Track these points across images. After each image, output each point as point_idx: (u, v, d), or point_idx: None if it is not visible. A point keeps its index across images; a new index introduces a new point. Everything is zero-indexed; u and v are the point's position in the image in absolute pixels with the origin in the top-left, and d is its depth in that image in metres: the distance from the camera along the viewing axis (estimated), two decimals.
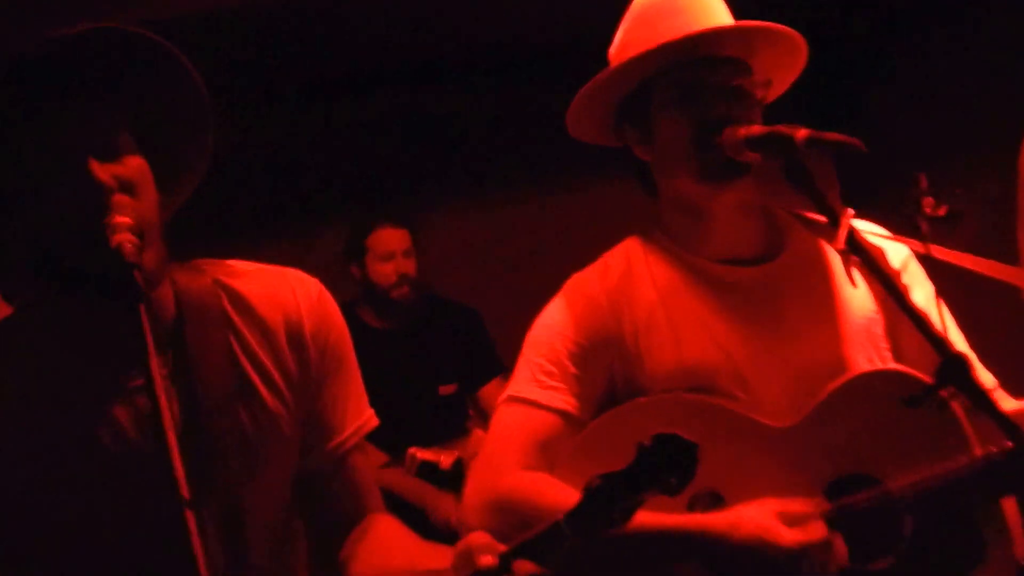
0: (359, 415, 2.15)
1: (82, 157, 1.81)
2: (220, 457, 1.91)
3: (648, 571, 2.32)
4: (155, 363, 1.65)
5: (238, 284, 2.04)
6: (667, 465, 1.76)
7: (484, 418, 4.83)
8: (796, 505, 2.27)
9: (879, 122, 5.49)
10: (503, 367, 5.05)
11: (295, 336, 2.04)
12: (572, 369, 2.44)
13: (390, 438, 4.52)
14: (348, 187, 6.06)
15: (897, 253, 2.48)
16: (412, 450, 4.31)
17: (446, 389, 4.98)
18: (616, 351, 2.44)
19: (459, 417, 5.01)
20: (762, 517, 2.24)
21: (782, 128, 2.24)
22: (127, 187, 1.84)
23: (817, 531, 2.25)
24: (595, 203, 5.90)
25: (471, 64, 5.94)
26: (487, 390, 5.03)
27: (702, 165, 2.38)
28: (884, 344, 2.48)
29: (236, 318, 2.01)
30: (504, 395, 2.50)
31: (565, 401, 2.42)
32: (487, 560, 1.75)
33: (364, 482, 2.17)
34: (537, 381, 2.45)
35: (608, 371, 2.44)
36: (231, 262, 2.09)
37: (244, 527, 1.94)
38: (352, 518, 2.14)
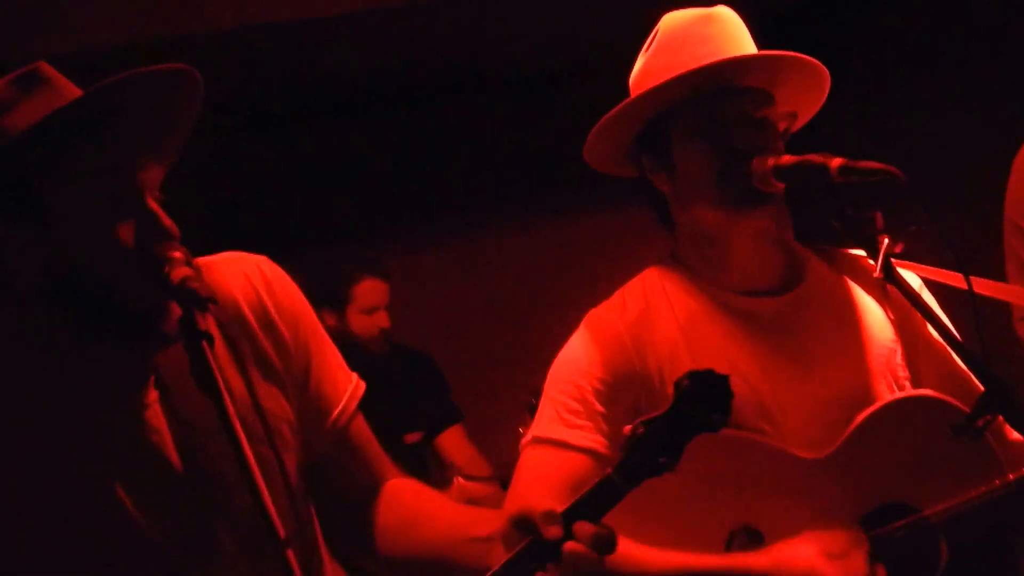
0: (347, 380, 2.11)
1: (144, 199, 1.80)
2: (228, 480, 1.84)
3: None
4: (227, 400, 1.61)
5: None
6: (707, 402, 1.78)
7: (454, 470, 4.77)
8: (837, 542, 2.25)
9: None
10: (460, 415, 5.01)
11: (265, 322, 1.98)
12: (598, 407, 2.39)
13: None
14: (306, 222, 5.98)
15: (910, 281, 2.48)
16: None
17: (412, 438, 4.91)
18: (641, 388, 2.40)
19: (422, 466, 4.94)
20: (806, 555, 2.22)
21: (815, 157, 2.23)
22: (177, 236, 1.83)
23: (859, 567, 2.23)
24: (548, 244, 5.90)
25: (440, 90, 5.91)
26: (445, 438, 4.97)
27: (725, 195, 2.37)
28: (903, 373, 2.48)
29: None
30: (528, 436, 2.45)
31: (593, 440, 2.38)
32: (554, 532, 1.73)
33: (371, 448, 2.13)
34: (563, 420, 2.40)
35: (634, 409, 2.39)
36: None
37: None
38: (368, 488, 2.10)
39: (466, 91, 5.90)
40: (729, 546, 2.31)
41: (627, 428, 1.81)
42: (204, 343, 1.64)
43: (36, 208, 1.78)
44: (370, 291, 4.89)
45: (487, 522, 1.92)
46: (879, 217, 2.64)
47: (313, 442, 2.03)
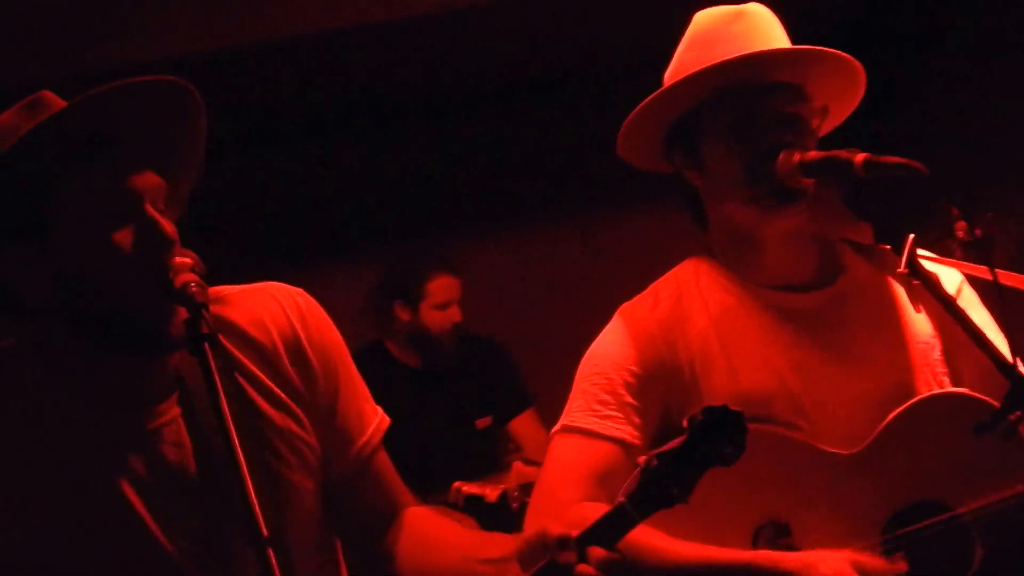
0: (373, 413, 2.14)
1: (141, 201, 1.83)
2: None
3: None
4: (224, 404, 1.64)
5: (225, 311, 2.01)
6: (720, 435, 1.84)
7: (519, 454, 4.82)
8: (871, 559, 2.23)
9: (906, 146, 5.44)
10: (532, 400, 5.04)
11: (294, 350, 2.03)
12: (628, 399, 2.40)
13: (426, 476, 4.50)
14: (369, 223, 6.05)
15: (951, 279, 2.44)
16: (457, 484, 4.27)
17: (482, 423, 4.98)
18: (671, 382, 2.40)
19: (495, 451, 5.00)
20: (835, 562, 2.19)
21: (840, 153, 2.21)
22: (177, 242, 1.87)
23: None
24: (615, 233, 5.90)
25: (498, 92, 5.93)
26: (518, 423, 5.02)
27: (755, 191, 2.35)
28: (942, 369, 2.45)
29: (230, 346, 1.98)
30: (558, 425, 2.46)
31: (622, 430, 2.38)
32: (567, 557, 1.77)
33: (391, 479, 2.17)
34: (592, 410, 2.41)
35: (664, 402, 2.40)
36: (212, 289, 2.03)
37: (283, 553, 1.92)
38: (386, 515, 2.14)
39: (522, 93, 5.93)
40: (756, 540, 2.30)
41: (641, 459, 1.86)
42: (206, 345, 1.68)
43: (38, 224, 1.82)
44: (443, 287, 4.95)
45: (498, 544, 1.95)
46: (952, 208, 2.61)
47: (336, 469, 2.08)
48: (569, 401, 2.47)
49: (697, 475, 1.83)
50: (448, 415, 4.90)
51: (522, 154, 6.14)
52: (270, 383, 1.99)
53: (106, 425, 1.89)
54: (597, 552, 1.78)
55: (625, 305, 2.51)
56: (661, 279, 2.54)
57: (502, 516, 4.02)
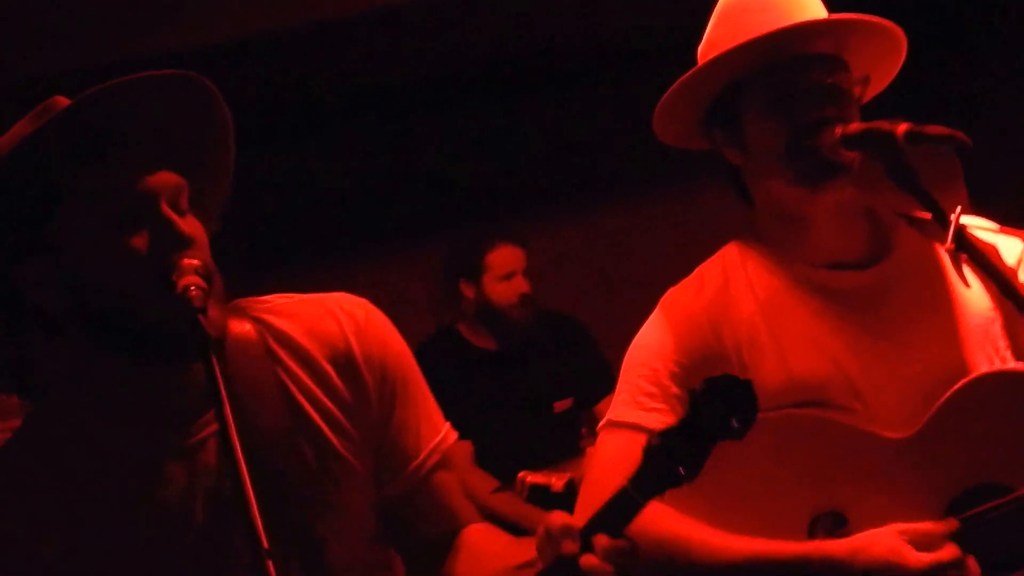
0: (434, 433, 2.08)
1: (156, 201, 1.79)
2: (289, 498, 1.86)
3: None
4: (228, 409, 1.61)
5: (280, 321, 1.98)
6: (725, 408, 1.69)
7: (594, 440, 4.74)
8: (924, 525, 2.15)
9: (997, 116, 5.29)
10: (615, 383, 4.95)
11: (345, 365, 1.98)
12: (674, 390, 2.33)
13: (505, 461, 4.46)
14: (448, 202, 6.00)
15: (1012, 248, 2.34)
16: (522, 474, 4.22)
17: (562, 405, 4.87)
18: (719, 369, 2.29)
19: (573, 434, 4.92)
20: (889, 539, 2.13)
21: (882, 124, 2.13)
22: (198, 245, 1.83)
23: (948, 552, 2.13)
24: (689, 208, 5.79)
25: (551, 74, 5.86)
26: (603, 407, 4.92)
27: (797, 168, 2.27)
28: (1003, 343, 2.35)
29: (283, 355, 1.96)
30: (604, 420, 2.40)
31: (668, 422, 2.31)
32: (569, 547, 1.69)
33: (451, 499, 2.11)
34: (638, 403, 2.35)
35: None
36: (269, 298, 2.04)
37: (326, 565, 1.89)
38: (445, 537, 2.09)
39: (584, 75, 5.85)
40: (812, 531, 2.23)
41: (643, 438, 1.75)
42: (210, 352, 1.64)
43: (49, 234, 1.80)
44: (504, 257, 4.85)
45: (530, 548, 1.88)
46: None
47: (390, 487, 2.04)
48: (615, 394, 2.42)
49: (704, 451, 1.70)
50: (526, 398, 4.80)
51: (587, 131, 6.06)
52: (320, 393, 1.95)
53: (145, 443, 1.87)
54: (602, 540, 1.70)
55: (669, 292, 2.44)
56: (706, 262, 2.47)
57: (570, 505, 3.98)
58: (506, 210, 5.71)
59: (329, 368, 1.96)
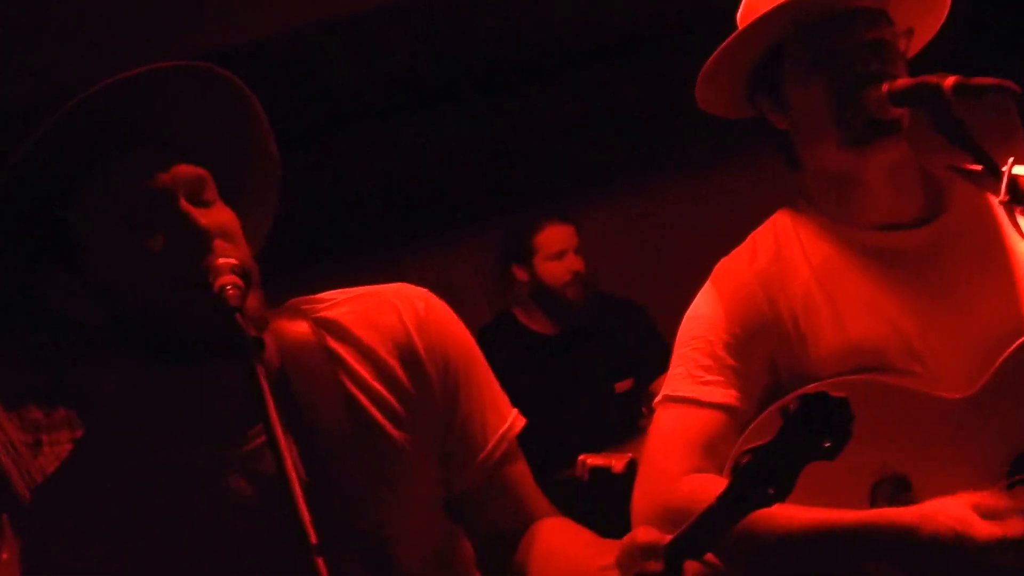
0: (501, 421, 2.02)
1: (173, 197, 1.73)
2: (354, 499, 1.83)
3: (838, 572, 2.16)
4: (272, 407, 1.56)
5: (337, 316, 1.94)
6: (818, 428, 1.62)
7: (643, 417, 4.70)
8: (993, 498, 2.09)
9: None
10: None
11: (407, 357, 1.93)
12: (730, 361, 2.29)
13: (567, 444, 4.43)
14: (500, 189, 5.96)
15: None
16: (583, 457, 4.19)
17: (622, 385, 4.81)
18: (775, 338, 2.29)
19: (634, 415, 4.87)
20: (956, 509, 2.07)
21: (928, 78, 2.09)
22: (225, 234, 1.77)
23: (1016, 526, 2.07)
24: (747, 180, 5.71)
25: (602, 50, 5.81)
26: (660, 386, 4.87)
27: (845, 129, 2.23)
28: None
29: (342, 353, 1.91)
30: (660, 395, 2.37)
31: (726, 394, 2.28)
32: (653, 567, 1.65)
33: (523, 489, 2.06)
34: (693, 377, 2.31)
35: (769, 360, 2.29)
36: (324, 295, 1.99)
37: (396, 564, 1.86)
38: (518, 527, 2.04)
39: (628, 50, 5.79)
40: (874, 497, 2.18)
41: (733, 454, 1.71)
42: (249, 351, 1.59)
43: (66, 246, 1.77)
44: (553, 236, 4.79)
45: (612, 551, 1.83)
46: None
47: (459, 479, 2.00)
48: (670, 368, 2.38)
49: (795, 472, 1.64)
50: (586, 380, 4.75)
51: (634, 109, 5.99)
52: (381, 389, 1.91)
53: (202, 455, 1.83)
54: (693, 567, 1.67)
55: (722, 261, 2.40)
56: (758, 230, 2.42)
57: (631, 486, 3.94)
58: (557, 193, 5.66)
59: (392, 361, 1.92)
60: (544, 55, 5.76)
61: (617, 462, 4.03)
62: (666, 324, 4.96)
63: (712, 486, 2.21)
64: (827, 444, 1.63)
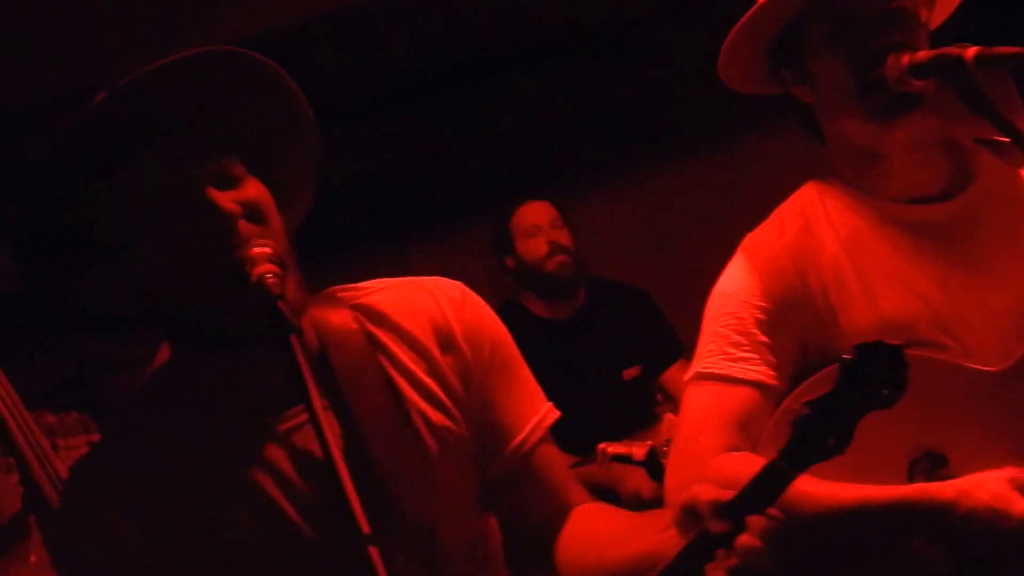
0: (535, 410, 2.04)
1: (198, 187, 1.74)
2: (397, 484, 1.83)
3: (878, 548, 2.14)
4: (315, 393, 1.58)
5: (376, 303, 1.96)
6: (875, 377, 1.66)
7: (673, 402, 4.67)
8: None
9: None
10: (684, 348, 4.87)
11: (446, 343, 1.95)
12: (761, 337, 2.27)
13: (577, 434, 4.41)
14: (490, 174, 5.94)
15: None
16: (602, 445, 4.15)
17: (630, 373, 4.79)
18: (806, 313, 2.27)
19: (645, 402, 4.85)
20: (993, 484, 2.04)
21: (949, 49, 2.07)
22: (252, 214, 1.78)
23: None
24: (748, 161, 5.72)
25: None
26: (671, 374, 4.83)
27: (868, 104, 2.21)
28: None
29: (383, 338, 1.93)
30: (691, 372, 2.34)
31: (759, 371, 2.25)
32: (717, 526, 1.66)
33: (557, 477, 2.06)
34: (725, 354, 2.28)
35: (799, 335, 2.27)
36: (361, 284, 2.02)
37: (438, 551, 1.85)
38: (553, 515, 2.04)
39: (635, 26, 5.76)
40: (912, 472, 2.17)
41: (793, 407, 1.73)
42: (292, 338, 1.60)
43: (101, 240, 1.78)
44: (526, 214, 4.80)
45: (660, 521, 1.86)
46: None
47: (493, 467, 2.00)
48: (700, 345, 2.35)
49: (854, 421, 1.68)
50: (592, 366, 4.72)
51: (620, 97, 5.98)
52: (423, 376, 1.93)
53: (240, 428, 1.85)
54: (758, 521, 1.67)
55: (749, 236, 2.38)
56: (784, 204, 2.40)
57: (652, 474, 3.93)
58: (552, 179, 5.66)
59: (432, 347, 1.94)
60: (532, 45, 5.76)
61: (638, 450, 4.01)
62: (667, 310, 4.99)
63: (748, 464, 2.19)
64: (885, 392, 1.66)
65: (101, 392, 3.11)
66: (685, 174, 5.90)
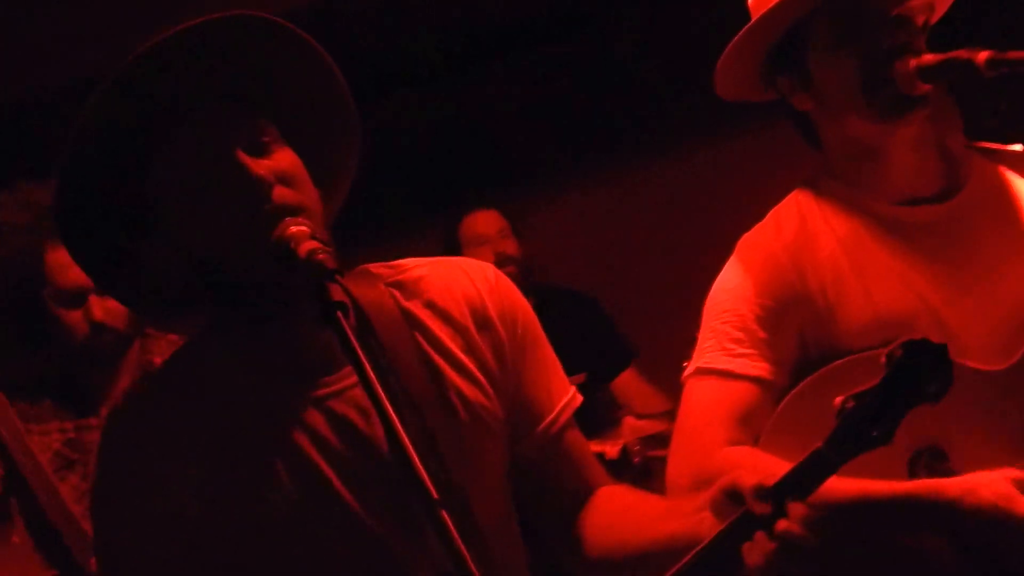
0: (564, 391, 2.08)
1: (230, 153, 1.75)
2: (434, 461, 1.82)
3: (880, 543, 2.18)
4: (368, 368, 1.58)
5: (415, 281, 1.97)
6: (922, 373, 1.74)
7: (628, 410, 4.69)
8: None
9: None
10: (634, 354, 4.90)
11: (482, 321, 1.98)
12: (761, 333, 2.30)
13: None
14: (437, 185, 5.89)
15: None
16: None
17: (574, 381, 4.80)
18: (805, 310, 2.31)
19: (595, 410, 4.86)
20: (1000, 484, 2.08)
21: (960, 53, 2.12)
22: (285, 179, 1.78)
23: None
24: (700, 170, 5.74)
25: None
26: (621, 380, 4.86)
27: (874, 103, 2.26)
28: None
29: (419, 314, 1.94)
30: (691, 368, 2.37)
31: (759, 367, 2.29)
32: (761, 508, 1.71)
33: (582, 458, 2.10)
34: (725, 349, 2.32)
35: (798, 332, 2.31)
36: (399, 262, 2.03)
37: (473, 525, 1.85)
38: (578, 497, 2.06)
39: (601, 22, 5.78)
40: (913, 467, 2.21)
41: (837, 400, 1.78)
42: (339, 314, 1.61)
43: (148, 215, 1.80)
44: (473, 224, 4.80)
45: (691, 503, 1.90)
46: None
47: (523, 446, 2.02)
48: (699, 341, 2.38)
49: (900, 415, 1.75)
50: None
51: (577, 103, 5.94)
52: (458, 352, 1.94)
53: (281, 390, 1.85)
54: (799, 508, 1.72)
55: (746, 236, 2.42)
56: (779, 206, 2.44)
57: (624, 472, 3.95)
58: (504, 184, 5.59)
59: (468, 324, 1.96)
60: (482, 47, 5.73)
61: (611, 448, 4.04)
62: (620, 317, 5.00)
63: (751, 458, 2.23)
64: (931, 388, 1.74)
65: (76, 385, 3.11)
66: (637, 181, 5.92)
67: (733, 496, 1.73)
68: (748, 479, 1.72)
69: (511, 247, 4.79)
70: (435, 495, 1.48)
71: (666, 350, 4.61)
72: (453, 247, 4.81)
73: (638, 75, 5.18)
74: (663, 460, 2.44)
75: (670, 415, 4.37)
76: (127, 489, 1.83)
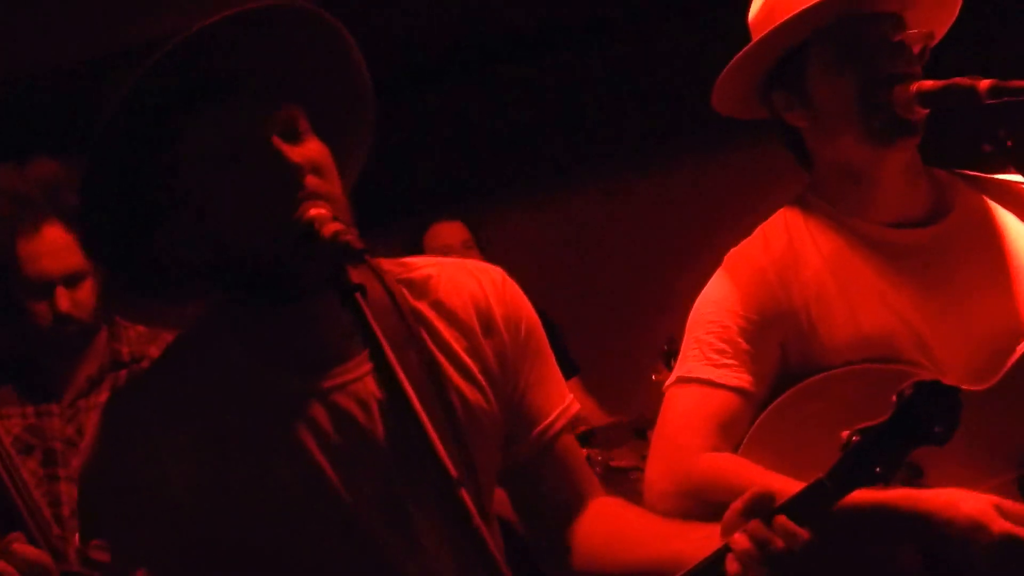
0: (561, 399, 2.08)
1: (264, 137, 1.75)
2: (455, 441, 1.84)
3: (860, 551, 2.21)
4: (388, 349, 1.60)
5: (422, 280, 1.98)
6: (932, 413, 1.74)
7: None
8: (1016, 506, 2.15)
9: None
10: (576, 368, 4.91)
11: (488, 324, 1.99)
12: (744, 345, 2.34)
13: None
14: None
15: None
16: None
17: None
18: (788, 325, 2.34)
19: None
20: (981, 502, 2.12)
21: (961, 80, 2.16)
22: (316, 168, 1.79)
23: None
24: (658, 190, 5.77)
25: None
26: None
27: (870, 125, 2.30)
28: None
29: (427, 313, 1.95)
30: (674, 376, 2.40)
31: (740, 378, 2.32)
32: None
33: (577, 466, 2.11)
34: (708, 359, 2.35)
35: (781, 346, 2.34)
36: (405, 260, 2.04)
37: (487, 513, 1.88)
38: (569, 505, 2.08)
39: (588, 36, 5.80)
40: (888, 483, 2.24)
41: (844, 434, 1.79)
42: (358, 295, 1.63)
43: (175, 192, 1.79)
44: (439, 233, 4.79)
45: (675, 532, 1.95)
46: None
47: (518, 450, 2.04)
48: (683, 351, 2.42)
49: (904, 454, 1.76)
50: None
51: (537, 117, 5.97)
52: (462, 354, 1.95)
53: (286, 382, 1.85)
54: (782, 521, 1.76)
55: (734, 250, 2.45)
56: (766, 223, 2.48)
57: None
58: (467, 196, 5.64)
59: (475, 326, 1.97)
60: (448, 60, 5.78)
61: None
62: (570, 331, 5.01)
63: (732, 464, 2.26)
64: (938, 430, 1.75)
65: (39, 371, 3.08)
66: (600, 194, 5.95)
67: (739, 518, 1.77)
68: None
69: (474, 258, 4.79)
70: (454, 473, 1.49)
71: (613, 365, 4.65)
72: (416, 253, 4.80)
73: (613, 90, 5.17)
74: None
75: (625, 426, 4.42)
76: (121, 466, 1.82)
